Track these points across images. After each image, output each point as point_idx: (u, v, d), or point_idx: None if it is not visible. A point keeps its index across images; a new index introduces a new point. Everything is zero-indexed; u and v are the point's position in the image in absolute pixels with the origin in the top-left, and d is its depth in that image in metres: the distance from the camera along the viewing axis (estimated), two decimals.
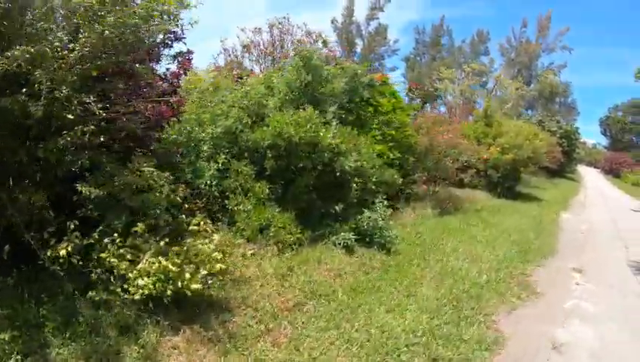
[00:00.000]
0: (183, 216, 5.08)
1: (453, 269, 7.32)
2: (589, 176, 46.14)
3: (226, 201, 6.44)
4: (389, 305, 5.57)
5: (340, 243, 6.82)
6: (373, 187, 8.22)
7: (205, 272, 4.26)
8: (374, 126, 10.18)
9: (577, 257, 9.69)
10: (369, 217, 7.56)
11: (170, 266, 4.03)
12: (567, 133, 35.26)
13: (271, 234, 6.23)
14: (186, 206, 5.44)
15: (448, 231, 9.67)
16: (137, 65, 4.65)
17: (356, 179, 7.64)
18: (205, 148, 6.71)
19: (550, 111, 46.45)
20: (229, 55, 14.92)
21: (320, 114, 7.67)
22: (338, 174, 7.15)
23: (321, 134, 7.06)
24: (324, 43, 14.72)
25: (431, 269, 7.17)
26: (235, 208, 6.38)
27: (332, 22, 51.48)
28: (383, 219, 7.77)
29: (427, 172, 11.77)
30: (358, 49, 52.54)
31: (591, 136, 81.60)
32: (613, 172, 48.08)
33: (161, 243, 4.27)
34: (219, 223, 6.19)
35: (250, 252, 5.56)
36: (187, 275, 4.08)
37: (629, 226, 14.74)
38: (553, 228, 12.63)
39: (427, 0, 76.52)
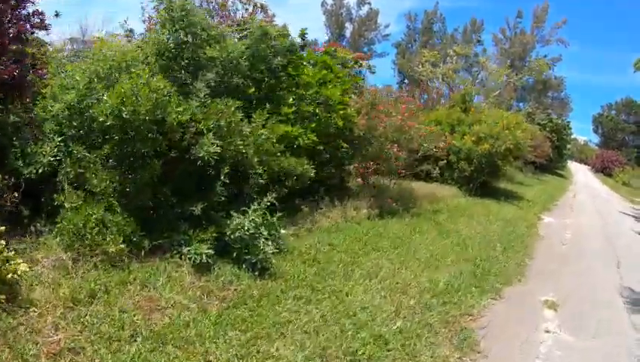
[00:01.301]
0: None
1: (352, 308, 4.77)
2: (580, 173, 44.18)
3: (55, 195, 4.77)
4: None
5: (191, 258, 4.75)
6: (262, 181, 5.89)
7: None
8: (290, 101, 7.60)
9: (554, 281, 7.18)
10: (239, 223, 5.18)
11: None
12: (557, 127, 32.97)
13: (87, 241, 4.44)
14: None
15: (378, 242, 7.06)
16: None
17: (227, 169, 5.32)
18: (48, 128, 5.18)
19: (542, 104, 44.29)
20: (149, 24, 11.94)
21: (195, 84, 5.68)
22: (199, 163, 5.11)
23: (169, 109, 4.93)
24: (262, 7, 12.11)
25: (314, 307, 4.64)
26: (66, 204, 4.68)
27: (322, 4, 49.54)
28: (257, 226, 5.30)
29: (367, 162, 9.11)
30: (348, 33, 51.00)
31: (583, 133, 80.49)
32: (604, 170, 46.29)
33: None
34: (37, 224, 4.68)
35: (22, 268, 3.55)
36: None
37: (620, 234, 12.31)
38: (530, 237, 10.12)
39: None
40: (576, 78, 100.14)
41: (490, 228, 9.82)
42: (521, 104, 45.41)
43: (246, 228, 5.12)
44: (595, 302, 6.52)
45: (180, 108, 5.05)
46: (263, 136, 6.10)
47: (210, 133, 5.12)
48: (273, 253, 5.38)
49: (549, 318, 5.69)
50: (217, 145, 5.03)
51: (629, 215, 17.08)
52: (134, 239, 4.62)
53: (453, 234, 8.45)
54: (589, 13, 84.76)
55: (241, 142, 5.53)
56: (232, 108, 5.57)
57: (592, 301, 6.52)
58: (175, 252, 4.86)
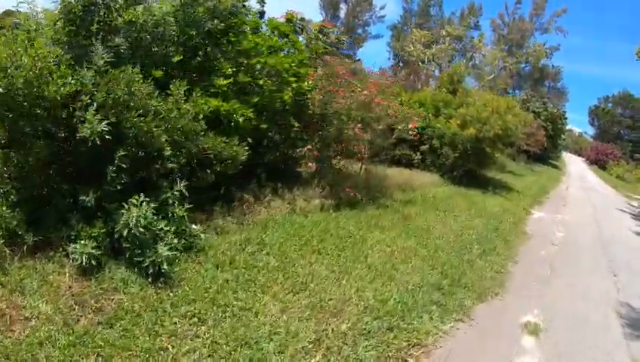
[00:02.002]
0: None
1: (257, 333, 3.56)
2: (574, 164, 43.11)
3: None
4: None
5: (76, 259, 3.87)
6: (172, 165, 4.75)
7: None
8: (228, 72, 6.29)
9: (540, 294, 5.88)
10: (128, 217, 4.01)
11: None
12: (553, 116, 31.60)
13: None
14: None
15: (323, 241, 5.66)
16: None
17: (122, 151, 4.25)
18: None
19: (539, 93, 42.97)
20: None
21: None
22: (90, 144, 4.08)
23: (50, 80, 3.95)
24: None
25: (208, 329, 3.52)
26: None
27: None
28: (150, 221, 4.14)
29: (327, 144, 7.67)
30: (342, 14, 49.38)
31: (579, 125, 79.78)
32: (598, 162, 45.31)
33: None
34: None
35: None
36: None
37: (617, 235, 11.01)
38: (516, 236, 8.77)
39: None
40: (573, 69, 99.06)
41: (470, 225, 8.45)
42: (517, 92, 44.10)
43: (134, 222, 3.95)
44: (588, 323, 5.23)
45: (69, 79, 4.05)
46: (175, 113, 4.84)
47: (93, 108, 4.02)
48: (179, 253, 4.33)
49: (529, 349, 4.38)
50: (109, 122, 3.99)
51: (627, 212, 15.84)
52: (20, 233, 3.84)
53: (421, 233, 7.05)
54: (588, 5, 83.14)
55: (140, 118, 4.37)
56: (137, 78, 4.40)
57: (583, 322, 5.22)
58: (61, 250, 3.99)
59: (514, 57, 31.39)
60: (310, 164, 7.07)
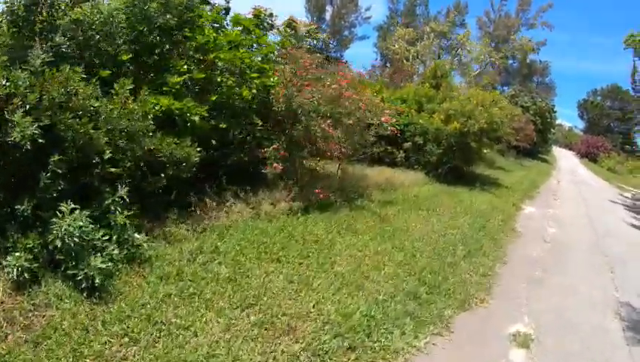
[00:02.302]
0: None
1: (191, 358, 2.91)
2: (565, 158, 42.84)
3: None
4: None
5: (10, 272, 3.54)
6: (113, 169, 4.30)
7: None
8: (182, 69, 5.82)
9: (531, 298, 5.30)
10: (65, 226, 3.64)
11: None
12: (541, 110, 31.28)
13: None
14: None
15: (285, 247, 5.04)
16: None
17: (56, 156, 3.90)
18: None
19: (527, 88, 42.88)
20: None
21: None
22: (24, 149, 3.77)
23: None
24: None
25: (139, 350, 3.08)
26: None
27: None
28: (84, 232, 3.74)
29: (297, 142, 7.08)
30: (328, 15, 49.16)
31: (569, 119, 79.99)
32: (589, 155, 45.08)
33: None
34: None
35: None
36: None
37: (611, 227, 10.50)
38: (505, 234, 8.19)
39: None
40: (562, 65, 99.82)
41: (455, 224, 7.86)
42: (505, 88, 43.96)
43: (63, 232, 3.58)
44: (585, 328, 4.65)
45: (2, 81, 3.77)
46: (116, 113, 4.40)
47: (21, 110, 3.71)
48: (120, 264, 3.96)
49: None
50: (42, 125, 3.72)
51: (619, 203, 15.40)
52: None
53: (399, 235, 6.44)
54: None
55: (77, 120, 3.99)
56: (75, 78, 4.04)
57: (579, 327, 4.65)
58: None
59: (500, 52, 31.00)
60: (275, 165, 6.45)
